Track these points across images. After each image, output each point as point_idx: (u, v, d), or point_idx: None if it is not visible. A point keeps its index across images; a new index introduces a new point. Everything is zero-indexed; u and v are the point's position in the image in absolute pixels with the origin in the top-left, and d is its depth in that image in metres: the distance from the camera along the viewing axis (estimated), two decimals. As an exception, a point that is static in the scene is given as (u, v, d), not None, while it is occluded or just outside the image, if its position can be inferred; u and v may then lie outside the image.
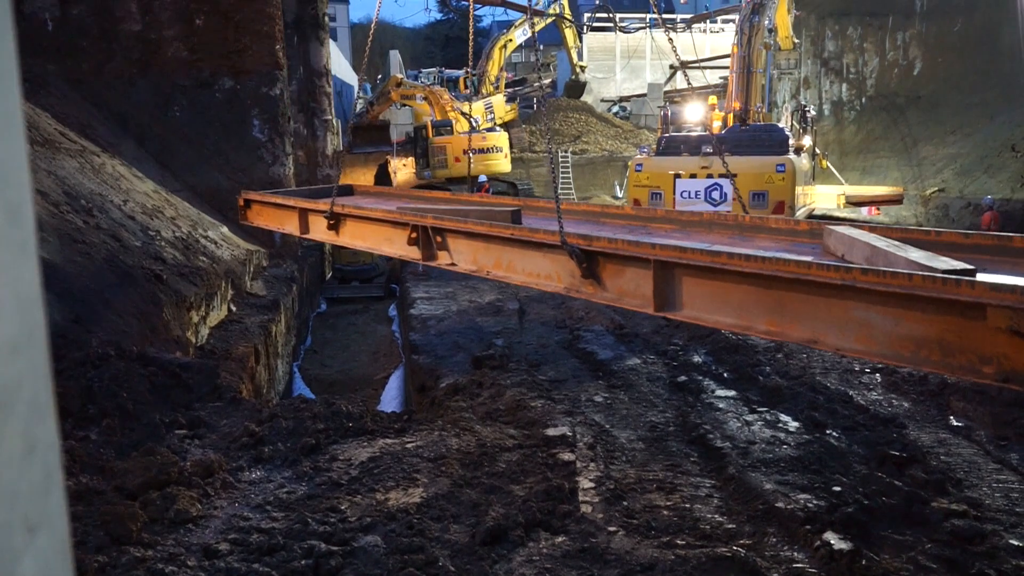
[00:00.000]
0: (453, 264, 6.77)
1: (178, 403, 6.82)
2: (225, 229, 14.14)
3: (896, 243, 4.31)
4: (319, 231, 8.77)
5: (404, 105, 32.32)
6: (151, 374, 6.80)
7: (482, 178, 17.59)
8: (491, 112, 31.49)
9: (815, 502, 5.29)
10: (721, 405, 7.50)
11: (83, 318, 7.27)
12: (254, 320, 11.25)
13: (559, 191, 5.90)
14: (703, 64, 34.06)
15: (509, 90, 37.80)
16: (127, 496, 4.90)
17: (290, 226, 9.50)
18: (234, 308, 11.49)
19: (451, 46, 65.67)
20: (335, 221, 8.32)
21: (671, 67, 38.46)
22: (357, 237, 8.26)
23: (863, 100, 32.38)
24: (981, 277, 3.50)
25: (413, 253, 7.15)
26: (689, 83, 9.29)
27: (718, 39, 40.65)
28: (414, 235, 7.04)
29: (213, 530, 4.70)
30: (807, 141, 16.87)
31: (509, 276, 6.15)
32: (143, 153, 14.85)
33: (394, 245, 7.51)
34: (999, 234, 4.72)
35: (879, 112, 30.53)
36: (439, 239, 6.86)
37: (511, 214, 6.59)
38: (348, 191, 10.55)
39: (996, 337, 3.17)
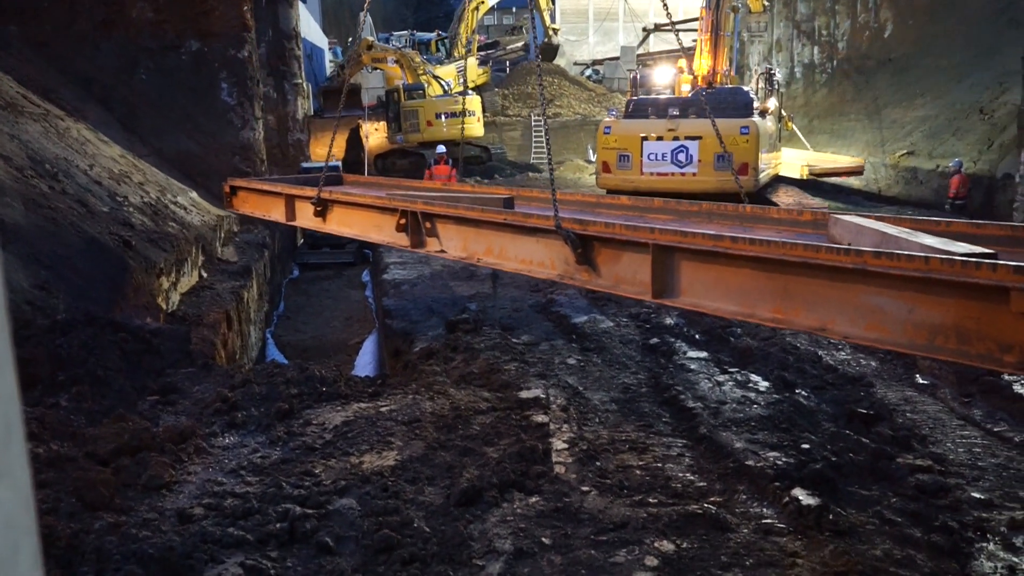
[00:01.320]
0: (443, 251, 6.67)
1: (149, 369, 6.77)
2: (195, 194, 13.96)
3: (907, 230, 4.14)
4: (306, 218, 8.67)
5: (375, 69, 31.91)
6: (121, 340, 6.73)
7: (440, 149, 17.45)
8: (463, 76, 31.17)
9: (784, 460, 5.38)
10: (693, 366, 7.58)
11: (50, 284, 7.17)
12: (225, 286, 11.16)
13: (552, 174, 5.81)
14: (676, 27, 33.92)
15: (481, 53, 37.46)
16: (99, 462, 4.87)
17: (276, 213, 9.41)
18: (205, 274, 11.38)
19: (422, 8, 64.83)
20: (322, 208, 8.23)
21: (644, 30, 38.27)
22: (345, 224, 8.16)
23: (834, 63, 32.46)
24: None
25: (402, 240, 7.06)
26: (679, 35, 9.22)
27: (691, 2, 40.47)
28: (403, 221, 6.95)
29: (187, 495, 4.69)
30: (772, 104, 16.99)
31: (501, 263, 6.04)
32: (109, 117, 14.57)
33: (382, 232, 7.43)
34: (1013, 224, 4.54)
35: (850, 75, 30.63)
36: (428, 225, 6.76)
37: (503, 201, 6.50)
38: (338, 180, 10.40)
39: (1019, 323, 3.00)
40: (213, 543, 4.05)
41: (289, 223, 9.35)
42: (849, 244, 4.55)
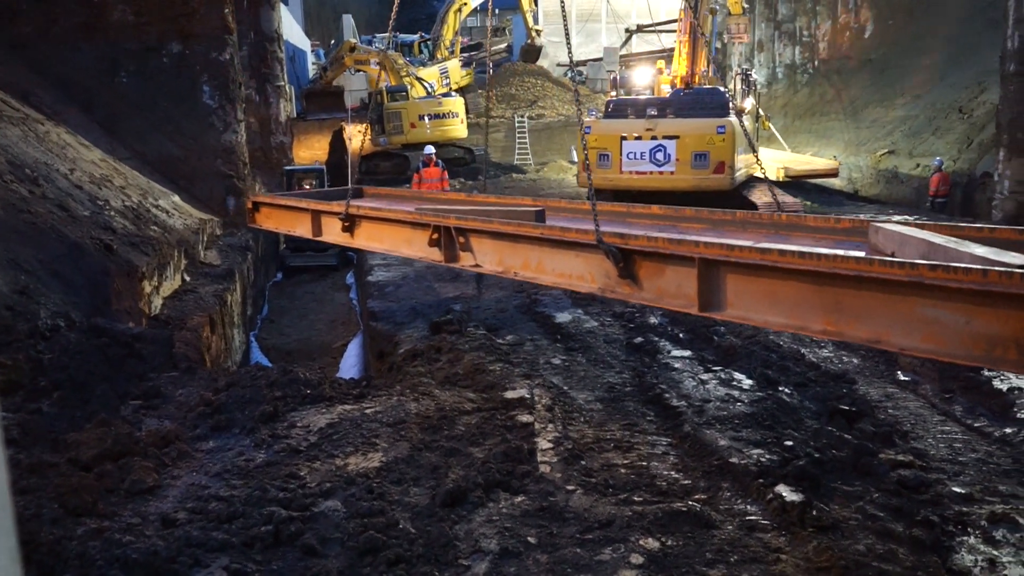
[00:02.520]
0: (478, 265, 6.61)
1: (132, 374, 6.74)
2: (177, 198, 13.88)
3: (955, 239, 4.10)
4: (333, 233, 8.58)
5: (358, 71, 31.83)
6: (103, 345, 6.70)
7: (428, 149, 16.73)
8: (447, 77, 31.20)
9: (768, 456, 5.41)
10: (677, 365, 7.61)
11: (31, 289, 7.11)
12: (208, 289, 11.11)
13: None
14: (658, 28, 34.02)
15: (464, 55, 37.44)
16: (82, 468, 4.84)
17: (302, 228, 9.32)
18: (188, 278, 11.32)
19: (405, 10, 64.68)
20: (350, 223, 8.13)
21: (627, 31, 38.34)
22: (374, 239, 8.07)
23: (815, 63, 32.67)
24: None
25: (435, 255, 7.01)
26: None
27: (674, 2, 40.61)
28: (435, 236, 6.90)
29: (171, 499, 4.67)
30: (749, 104, 17.21)
31: (538, 277, 5.97)
32: (89, 121, 14.46)
33: (413, 247, 7.36)
34: None
35: (831, 75, 30.85)
36: (462, 240, 6.71)
37: (535, 214, 6.48)
38: (358, 193, 10.32)
39: None
40: (197, 547, 4.04)
41: (316, 239, 9.25)
42: (893, 253, 4.52)
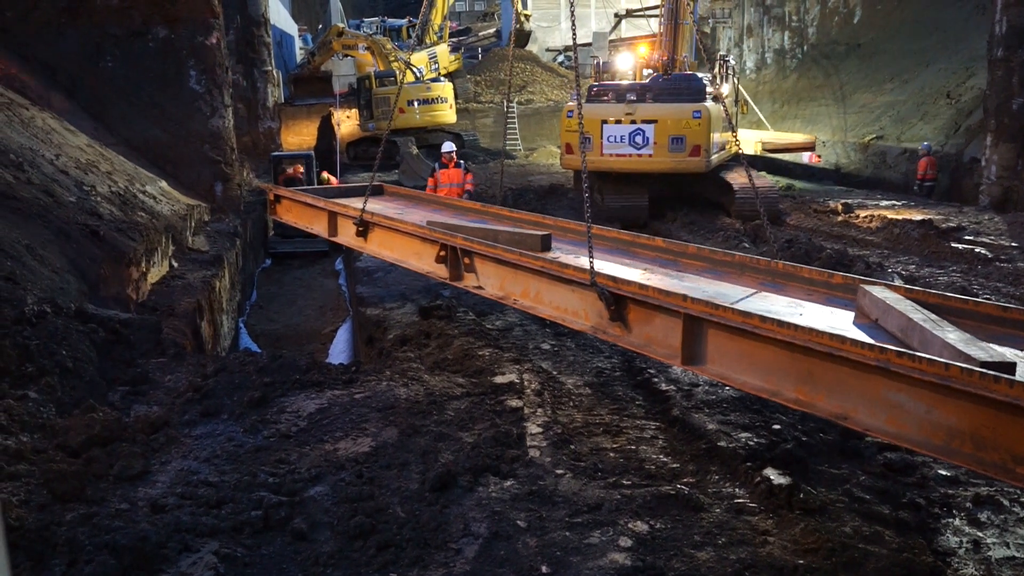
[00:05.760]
0: (480, 287, 6.66)
1: (120, 360, 6.71)
2: (164, 184, 13.79)
3: (933, 318, 4.13)
4: (347, 235, 8.68)
5: (346, 55, 31.65)
6: (91, 331, 6.67)
7: (447, 147, 13.15)
8: (435, 62, 31.05)
9: (755, 440, 5.45)
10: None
11: (16, 275, 7.07)
12: (197, 275, 11.06)
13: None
14: (647, 12, 33.94)
15: (453, 40, 37.28)
16: (70, 454, 4.83)
17: (319, 226, 9.48)
18: (176, 264, 11.27)
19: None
20: (364, 228, 8.20)
21: (615, 16, 38.25)
22: (385, 247, 8.13)
23: (804, 48, 32.67)
24: (1022, 370, 3.41)
25: (440, 271, 7.07)
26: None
27: (662, -13, 40.48)
28: (443, 253, 6.95)
29: (160, 485, 4.67)
30: (726, 89, 17.41)
31: (536, 307, 6.02)
32: (75, 106, 14.33)
33: (422, 260, 7.42)
34: None
35: (819, 60, 30.87)
36: (467, 260, 6.74)
37: (541, 239, 6.51)
38: (378, 191, 10.31)
39: None
40: (187, 532, 4.04)
41: (331, 239, 9.39)
42: (876, 320, 4.58)
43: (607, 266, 5.93)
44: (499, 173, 11.68)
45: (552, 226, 7.66)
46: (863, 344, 3.63)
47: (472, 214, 8.99)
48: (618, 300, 5.09)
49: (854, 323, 4.76)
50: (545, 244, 6.51)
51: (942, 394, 3.34)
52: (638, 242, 6.98)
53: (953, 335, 3.80)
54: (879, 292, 4.77)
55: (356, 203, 8.62)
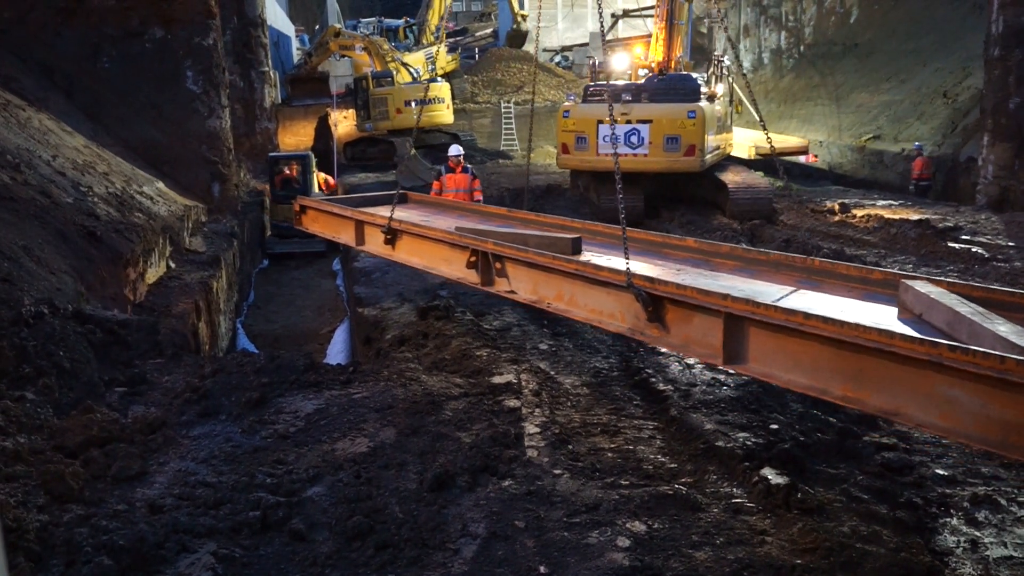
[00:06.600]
0: (512, 292, 6.60)
1: (118, 360, 6.71)
2: (161, 184, 13.78)
3: (981, 311, 4.04)
4: (375, 244, 8.65)
5: (343, 56, 31.60)
6: (88, 332, 6.66)
7: (454, 150, 12.39)
8: (432, 62, 30.98)
9: (753, 440, 5.46)
10: (663, 350, 7.63)
11: (13, 276, 7.06)
12: (194, 276, 11.05)
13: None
14: (644, 13, 33.93)
15: (450, 40, 37.25)
16: (67, 455, 4.82)
17: (346, 236, 9.41)
18: (173, 264, 11.26)
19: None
20: (392, 236, 8.18)
21: (612, 16, 38.25)
22: (414, 254, 8.10)
23: (801, 48, 32.69)
24: None
25: (471, 277, 7.04)
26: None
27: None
28: (473, 259, 6.93)
29: (158, 486, 4.66)
30: (721, 89, 17.47)
31: (570, 310, 5.92)
32: (72, 107, 14.31)
33: (452, 266, 7.39)
34: None
35: (816, 60, 30.88)
36: (499, 265, 6.71)
37: (571, 243, 6.47)
38: (403, 199, 10.23)
39: None
40: (184, 533, 4.04)
41: (359, 248, 9.31)
42: (920, 315, 4.47)
43: (640, 267, 5.82)
44: (497, 173, 11.65)
45: (580, 229, 7.60)
46: (913, 339, 3.55)
47: (498, 219, 8.96)
48: (655, 301, 5.00)
49: (898, 318, 4.64)
50: (576, 247, 6.46)
51: (998, 388, 3.26)
52: (669, 243, 6.90)
53: (1004, 328, 3.70)
54: (922, 287, 4.63)
55: (382, 211, 8.60)
